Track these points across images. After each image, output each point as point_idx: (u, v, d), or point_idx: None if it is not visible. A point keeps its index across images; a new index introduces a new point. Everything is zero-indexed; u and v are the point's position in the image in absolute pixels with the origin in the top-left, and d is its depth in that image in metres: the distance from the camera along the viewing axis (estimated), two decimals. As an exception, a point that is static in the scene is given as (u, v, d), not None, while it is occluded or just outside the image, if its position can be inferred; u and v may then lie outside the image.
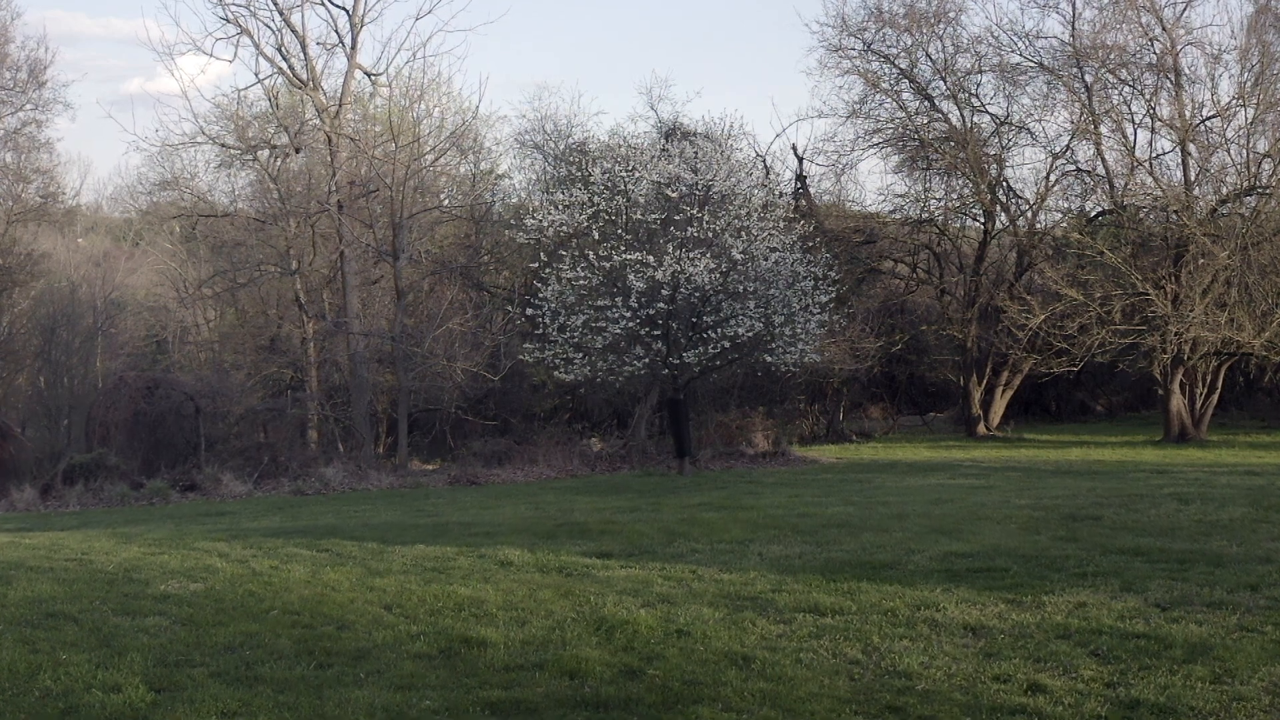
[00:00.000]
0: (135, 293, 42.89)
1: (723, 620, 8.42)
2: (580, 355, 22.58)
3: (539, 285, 23.28)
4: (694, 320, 22.58)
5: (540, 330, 23.27)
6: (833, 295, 23.73)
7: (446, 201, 35.18)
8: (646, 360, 22.34)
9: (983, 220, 34.49)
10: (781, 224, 23.63)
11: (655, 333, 22.22)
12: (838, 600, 8.95)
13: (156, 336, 41.21)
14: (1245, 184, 29.95)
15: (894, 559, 10.70)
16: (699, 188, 22.81)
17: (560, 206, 23.24)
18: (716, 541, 12.13)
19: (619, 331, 22.06)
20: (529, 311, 23.35)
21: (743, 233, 22.75)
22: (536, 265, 23.34)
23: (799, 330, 22.85)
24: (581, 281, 22.36)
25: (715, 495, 18.15)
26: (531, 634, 8.13)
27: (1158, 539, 11.65)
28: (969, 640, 7.84)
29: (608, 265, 22.14)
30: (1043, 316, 29.09)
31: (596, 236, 22.43)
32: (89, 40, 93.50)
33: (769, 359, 22.90)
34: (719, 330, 22.11)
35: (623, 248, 22.04)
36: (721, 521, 13.66)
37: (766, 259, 22.73)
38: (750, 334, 22.12)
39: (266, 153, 32.58)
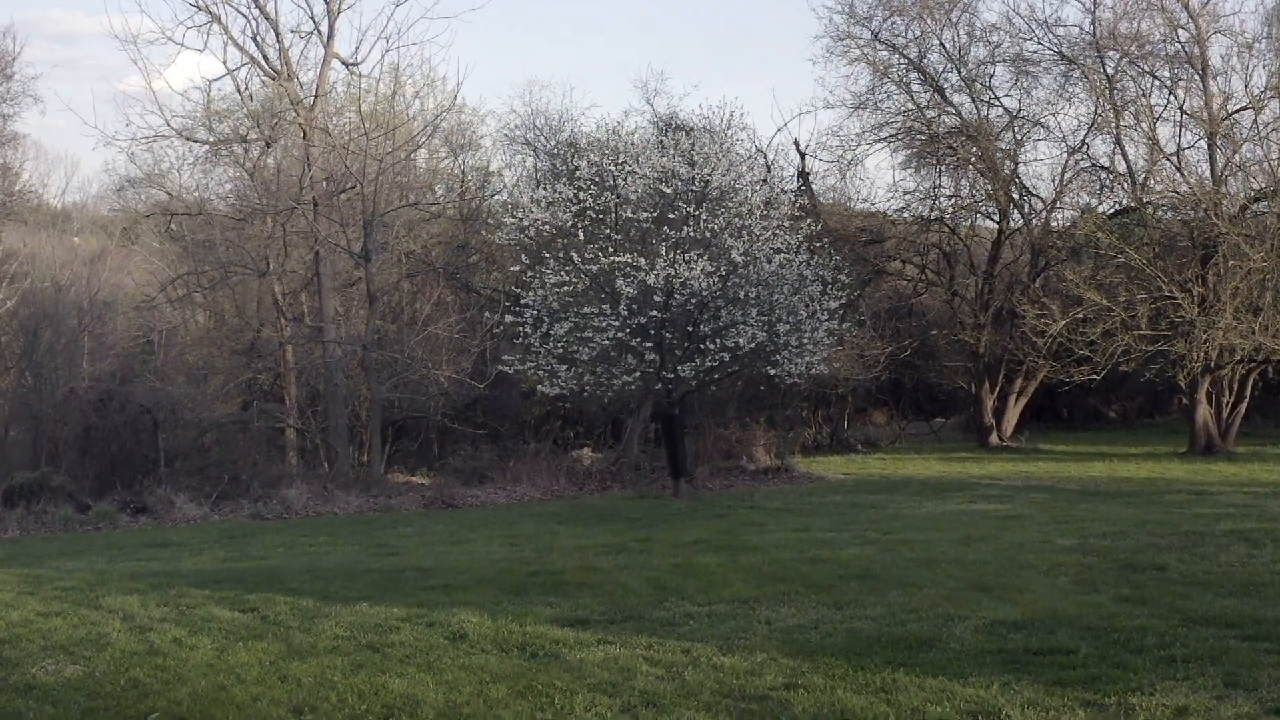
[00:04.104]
0: (126, 293, 41.29)
1: (724, 737, 6.51)
2: (565, 367, 20.60)
3: (520, 291, 21.29)
4: (690, 329, 20.58)
5: (522, 339, 21.28)
6: (842, 300, 21.76)
7: (441, 199, 33.37)
8: (639, 373, 20.36)
9: (997, 219, 32.66)
10: (786, 223, 21.63)
11: (647, 343, 20.22)
12: (870, 703, 7.03)
13: (145, 338, 39.55)
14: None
15: (932, 632, 8.78)
16: (696, 183, 20.79)
17: (543, 204, 21.24)
18: (715, 600, 10.21)
19: (607, 341, 20.07)
20: (508, 319, 21.32)
21: (743, 232, 20.73)
22: (518, 269, 21.31)
23: (805, 339, 20.86)
24: (566, 287, 20.37)
25: (713, 527, 16.21)
26: (473, 761, 6.23)
27: (1242, 600, 9.74)
28: (1049, 773, 5.95)
29: (594, 268, 20.14)
30: (1064, 322, 27.21)
31: (582, 237, 20.42)
32: (89, 39, 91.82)
33: (772, 371, 20.91)
34: (718, 340, 20.10)
35: (611, 249, 20.03)
36: (721, 569, 11.73)
37: (770, 261, 20.72)
38: (752, 344, 20.11)
39: (241, 148, 30.74)
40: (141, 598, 11.07)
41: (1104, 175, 31.63)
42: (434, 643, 8.78)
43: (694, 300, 20.24)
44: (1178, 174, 29.06)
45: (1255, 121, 28.75)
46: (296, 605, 10.38)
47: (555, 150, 30.57)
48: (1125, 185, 30.25)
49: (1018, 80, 31.57)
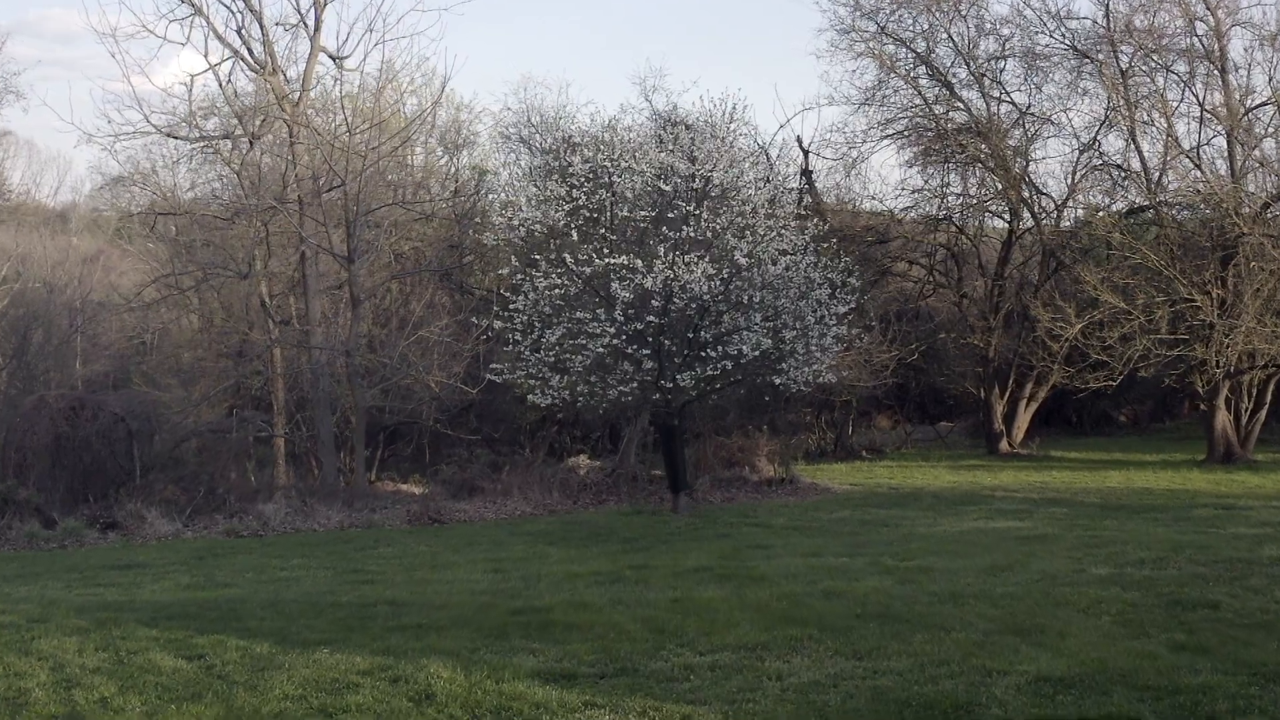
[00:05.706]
0: (121, 293, 40.38)
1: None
2: (558, 376, 19.42)
3: (508, 295, 20.13)
4: (690, 336, 19.40)
5: (511, 347, 20.12)
6: (852, 305, 20.60)
7: (434, 197, 32.29)
8: (635, 383, 19.18)
9: (1007, 218, 31.59)
10: (792, 222, 20.46)
11: (644, 351, 19.02)
12: (905, 794, 5.93)
13: (138, 339, 38.61)
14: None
15: (968, 692, 7.66)
16: (696, 180, 19.61)
17: (534, 202, 20.07)
18: (719, 646, 9.09)
19: (602, 349, 18.89)
20: (497, 325, 20.14)
21: (747, 232, 19.54)
22: (507, 271, 20.14)
23: (813, 346, 19.68)
24: (558, 290, 19.19)
25: (715, 550, 15.07)
26: None
27: (1314, 648, 8.64)
28: None
29: (588, 271, 18.96)
30: (1080, 326, 26.13)
31: (576, 237, 19.24)
32: (89, 39, 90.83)
33: (778, 381, 19.74)
34: (720, 348, 18.91)
35: (606, 250, 18.85)
36: (725, 605, 10.62)
37: (775, 263, 19.53)
38: (756, 352, 18.91)
39: (226, 145, 29.67)
40: (81, 640, 9.95)
41: (1117, 173, 30.59)
42: (395, 705, 7.66)
43: (694, 305, 19.08)
44: (1195, 171, 27.97)
45: (1277, 117, 27.68)
46: (249, 651, 9.27)
47: (550, 148, 29.51)
48: (1139, 183, 29.18)
49: (1028, 75, 30.60)
